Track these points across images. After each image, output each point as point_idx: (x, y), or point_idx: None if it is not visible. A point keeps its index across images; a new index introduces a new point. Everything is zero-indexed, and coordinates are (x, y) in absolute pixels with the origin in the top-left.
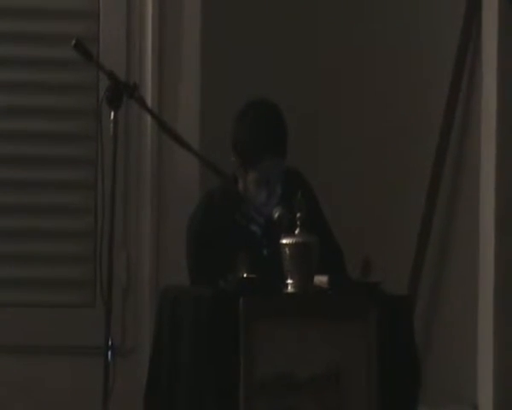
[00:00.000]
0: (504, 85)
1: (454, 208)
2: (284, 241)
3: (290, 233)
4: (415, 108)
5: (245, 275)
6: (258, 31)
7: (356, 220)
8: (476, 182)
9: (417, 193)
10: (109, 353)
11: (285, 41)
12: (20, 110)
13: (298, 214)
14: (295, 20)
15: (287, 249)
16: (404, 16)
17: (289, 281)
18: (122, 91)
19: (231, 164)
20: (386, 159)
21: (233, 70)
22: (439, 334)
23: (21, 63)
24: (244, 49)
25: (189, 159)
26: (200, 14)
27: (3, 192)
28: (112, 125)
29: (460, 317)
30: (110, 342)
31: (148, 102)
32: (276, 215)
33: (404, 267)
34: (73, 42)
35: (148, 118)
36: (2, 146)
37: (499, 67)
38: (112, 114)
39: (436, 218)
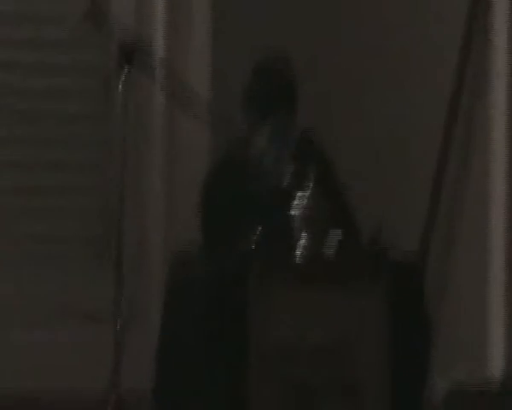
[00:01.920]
0: None
1: (466, 168)
2: (294, 206)
3: (301, 194)
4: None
5: (255, 240)
6: None
7: (367, 184)
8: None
9: (428, 154)
10: (119, 317)
11: None
12: (29, 66)
13: (310, 176)
14: None
15: (297, 214)
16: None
17: (301, 242)
18: (132, 49)
19: (243, 126)
20: (397, 119)
21: (245, 30)
22: (450, 296)
23: (26, 43)
24: (258, 11)
25: (199, 121)
26: None
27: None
28: (122, 85)
29: (471, 279)
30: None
31: (158, 60)
32: (286, 179)
33: (415, 230)
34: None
35: (158, 82)
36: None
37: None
38: (123, 73)
39: (447, 180)
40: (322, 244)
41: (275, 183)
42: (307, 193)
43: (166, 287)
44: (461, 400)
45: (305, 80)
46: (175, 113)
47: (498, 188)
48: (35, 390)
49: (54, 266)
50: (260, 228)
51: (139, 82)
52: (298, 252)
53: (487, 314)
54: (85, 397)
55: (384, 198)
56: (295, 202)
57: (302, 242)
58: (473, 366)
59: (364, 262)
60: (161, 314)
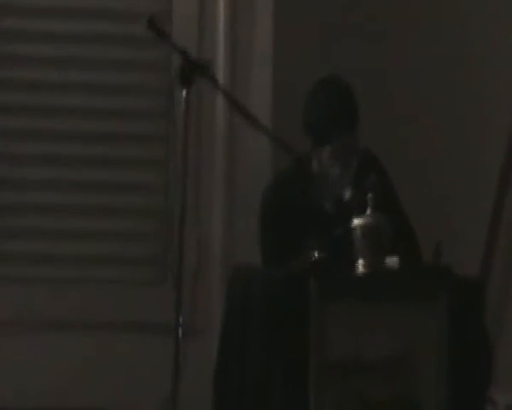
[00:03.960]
0: None
1: None
2: (355, 221)
3: (362, 214)
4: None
5: (316, 255)
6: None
7: (429, 206)
8: None
9: (490, 178)
10: (180, 331)
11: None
12: (93, 87)
13: (370, 195)
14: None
15: (358, 230)
16: None
17: (360, 262)
18: (194, 70)
19: (305, 144)
20: (457, 142)
21: (305, 49)
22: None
23: (96, 40)
24: (319, 31)
25: (261, 138)
26: None
27: (75, 169)
28: (183, 103)
29: None
30: (180, 321)
31: (220, 80)
32: (348, 195)
33: (476, 254)
34: (147, 21)
35: (220, 97)
36: (76, 123)
37: None
38: (184, 92)
39: (508, 202)
40: (382, 261)
41: (336, 201)
42: (369, 211)
43: (226, 301)
44: None
45: (368, 100)
46: (237, 132)
47: None
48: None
49: (115, 285)
50: (321, 244)
51: (201, 102)
52: (358, 268)
53: None
54: None
55: (445, 220)
56: (357, 220)
57: (363, 257)
58: None
59: (425, 278)
60: (221, 329)
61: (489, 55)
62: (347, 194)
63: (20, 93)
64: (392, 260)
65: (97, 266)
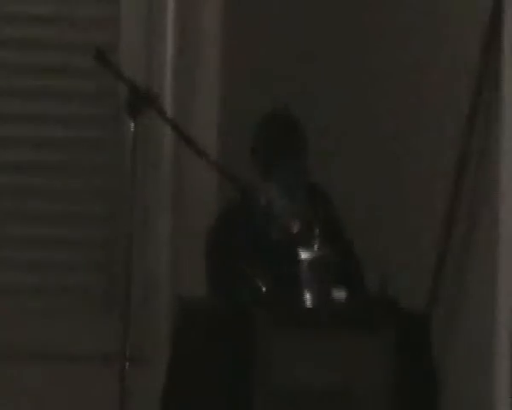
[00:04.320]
0: None
1: (474, 221)
2: (302, 255)
3: (309, 247)
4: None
5: (262, 288)
6: (276, 46)
7: (373, 235)
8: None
9: (436, 205)
10: (126, 361)
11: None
12: (40, 117)
13: (317, 229)
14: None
15: (305, 263)
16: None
17: (307, 295)
18: (142, 101)
19: (251, 176)
20: (403, 168)
21: (252, 83)
22: (457, 350)
23: (40, 71)
24: (264, 63)
25: (208, 169)
26: (220, 24)
27: (19, 199)
28: (131, 133)
29: (478, 333)
30: (127, 350)
31: (167, 111)
32: (295, 229)
33: (422, 282)
34: (95, 52)
35: (167, 127)
36: (20, 152)
37: None
38: (131, 123)
39: (455, 230)
40: (329, 292)
41: (283, 232)
42: (316, 242)
43: (174, 329)
44: None
45: (312, 130)
46: (184, 163)
47: (506, 235)
48: None
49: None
50: (268, 275)
51: (149, 130)
52: (305, 298)
53: (493, 369)
54: None
55: (390, 251)
56: (304, 252)
57: (310, 289)
58: None
59: (372, 310)
60: (169, 357)
61: None
62: (295, 226)
63: None
64: (338, 293)
65: (44, 297)
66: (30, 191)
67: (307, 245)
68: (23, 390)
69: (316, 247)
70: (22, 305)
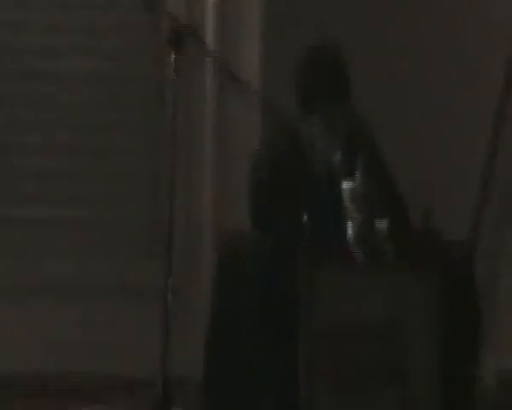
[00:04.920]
0: None
1: None
2: (345, 185)
3: (351, 178)
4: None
5: (305, 223)
6: None
7: (417, 170)
8: None
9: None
10: (169, 295)
11: None
12: (79, 51)
13: (360, 160)
14: None
15: (347, 193)
16: None
17: (350, 226)
18: (183, 33)
19: (293, 110)
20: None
21: (296, 13)
22: (500, 283)
23: (83, 6)
24: None
25: (250, 105)
26: None
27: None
28: (173, 66)
29: None
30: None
31: (209, 45)
32: (338, 159)
33: (466, 218)
34: None
35: (209, 61)
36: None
37: None
38: (173, 56)
39: (498, 167)
40: (372, 228)
41: (324, 169)
42: (357, 179)
43: (217, 267)
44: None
45: (358, 69)
46: (226, 99)
47: None
48: (76, 370)
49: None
50: (309, 213)
51: (190, 68)
52: (348, 235)
53: None
54: (132, 379)
55: (433, 185)
56: (344, 188)
57: (352, 220)
58: None
59: (415, 242)
60: (212, 295)
61: None
62: (337, 157)
63: None
64: (381, 223)
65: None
66: (75, 152)
67: (350, 176)
68: (64, 323)
69: (359, 178)
70: (64, 238)
